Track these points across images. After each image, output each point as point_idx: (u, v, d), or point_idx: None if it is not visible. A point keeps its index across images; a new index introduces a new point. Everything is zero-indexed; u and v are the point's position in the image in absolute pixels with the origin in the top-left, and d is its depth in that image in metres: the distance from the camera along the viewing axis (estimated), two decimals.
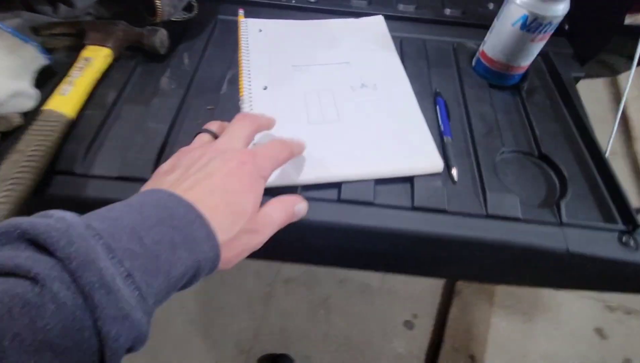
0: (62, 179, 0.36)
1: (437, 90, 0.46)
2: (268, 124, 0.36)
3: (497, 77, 0.46)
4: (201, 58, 0.47)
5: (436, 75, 0.48)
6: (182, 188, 0.25)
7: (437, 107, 0.44)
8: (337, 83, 0.45)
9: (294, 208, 0.32)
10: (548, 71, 0.50)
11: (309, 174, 0.37)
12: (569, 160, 0.41)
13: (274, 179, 0.35)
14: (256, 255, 0.30)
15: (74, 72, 0.40)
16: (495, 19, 0.44)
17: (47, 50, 0.42)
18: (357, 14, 0.55)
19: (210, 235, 0.24)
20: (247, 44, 0.48)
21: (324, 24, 0.53)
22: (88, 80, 0.40)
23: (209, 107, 0.42)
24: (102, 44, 0.43)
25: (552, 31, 0.41)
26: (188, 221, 0.23)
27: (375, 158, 0.38)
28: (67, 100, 0.38)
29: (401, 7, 0.56)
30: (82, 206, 0.37)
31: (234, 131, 0.32)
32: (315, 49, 0.49)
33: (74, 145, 0.38)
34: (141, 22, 0.46)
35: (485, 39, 0.47)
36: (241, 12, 0.53)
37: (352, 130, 0.41)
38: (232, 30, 0.51)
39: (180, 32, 0.50)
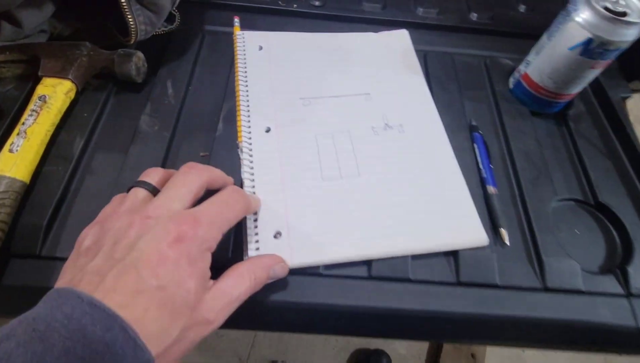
0: (20, 265, 0.29)
1: (473, 122, 0.39)
2: (223, 180, 0.29)
3: (541, 104, 0.40)
4: (188, 86, 0.39)
5: (469, 100, 0.41)
6: (104, 287, 0.20)
7: (475, 145, 0.37)
8: (356, 122, 0.37)
9: (268, 273, 0.26)
10: (593, 92, 0.44)
11: (328, 254, 0.30)
12: (628, 207, 0.35)
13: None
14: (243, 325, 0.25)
15: (26, 117, 0.32)
16: (545, 38, 0.37)
17: None
18: (370, 21, 0.46)
19: (138, 352, 0.19)
20: (245, 67, 0.39)
21: (336, 39, 0.44)
22: (45, 127, 0.32)
23: (202, 153, 0.35)
24: (61, 75, 0.34)
25: (615, 58, 0.34)
26: (108, 342, 0.18)
27: (408, 229, 0.31)
28: (19, 159, 0.30)
29: (421, 12, 0.48)
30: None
31: (174, 189, 0.25)
32: (327, 75, 0.41)
33: (33, 218, 0.30)
34: (111, 42, 0.37)
35: (529, 58, 0.39)
36: (236, 21, 0.44)
37: (377, 190, 0.33)
38: (224, 45, 0.42)
39: (160, 49, 0.41)
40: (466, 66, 0.44)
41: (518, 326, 0.30)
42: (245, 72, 0.39)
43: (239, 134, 0.34)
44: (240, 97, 0.37)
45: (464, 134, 0.38)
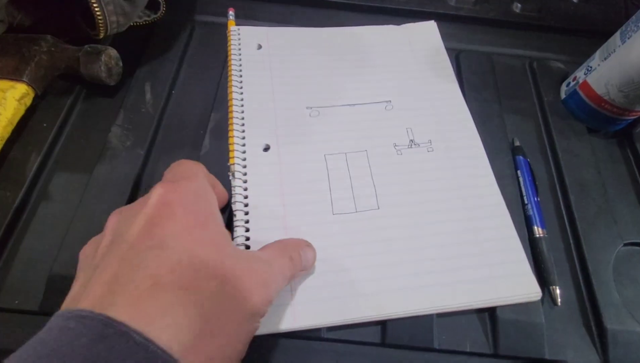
0: None
1: (517, 143, 0.32)
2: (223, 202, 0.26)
3: (602, 121, 0.32)
4: (171, 90, 0.32)
5: (510, 113, 0.34)
6: (90, 288, 0.16)
7: (519, 172, 0.30)
8: (374, 138, 0.30)
9: (300, 254, 0.22)
10: None
11: (337, 312, 0.23)
12: None
13: (279, 324, 0.23)
14: None
15: None
16: (618, 39, 0.29)
17: None
18: (392, 12, 0.39)
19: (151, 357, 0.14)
20: (240, 69, 0.32)
21: (351, 34, 0.36)
22: None
23: None
24: (14, 77, 0.28)
25: None
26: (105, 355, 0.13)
27: (437, 279, 0.25)
28: None
29: (453, 1, 0.40)
30: None
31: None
32: (339, 78, 0.33)
33: None
34: (78, 35, 0.31)
35: (592, 64, 0.32)
36: (231, 14, 0.36)
37: (400, 228, 0.27)
38: (217, 39, 0.35)
39: (140, 44, 0.34)
40: (508, 69, 0.36)
41: None
42: (241, 76, 0.32)
43: (230, 154, 0.28)
44: (234, 107, 0.30)
45: (504, 157, 0.31)
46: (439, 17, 0.39)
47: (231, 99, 0.30)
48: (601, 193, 0.30)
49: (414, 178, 0.29)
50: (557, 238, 0.28)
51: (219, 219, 0.20)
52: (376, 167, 0.29)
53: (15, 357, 0.14)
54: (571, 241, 0.28)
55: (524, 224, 0.28)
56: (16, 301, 0.24)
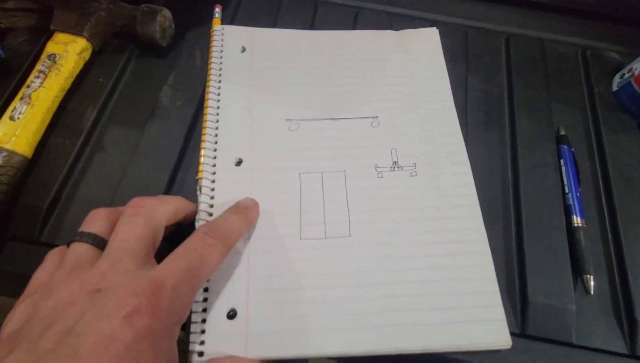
0: (16, 250, 0.25)
1: (562, 132, 0.31)
2: (189, 207, 0.23)
3: None
4: None
5: (558, 102, 0.33)
6: None
7: (562, 161, 0.30)
8: (355, 157, 0.28)
9: None
10: None
11: (297, 346, 0.22)
12: None
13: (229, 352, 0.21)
14: None
15: (32, 79, 0.27)
16: None
17: None
18: None
19: None
20: (220, 74, 0.30)
21: (343, 38, 0.34)
22: (53, 93, 0.27)
23: None
24: (75, 32, 0.29)
25: None
26: None
27: (404, 320, 0.23)
28: (21, 129, 0.26)
29: None
30: None
31: (122, 242, 0.19)
32: (326, 89, 0.31)
33: (33, 198, 0.26)
34: None
35: None
36: (217, 11, 0.34)
37: (370, 260, 0.25)
38: (264, 6, 0.35)
39: (191, 7, 0.35)
40: (559, 57, 0.35)
41: None
42: (219, 81, 0.30)
43: (199, 168, 0.26)
44: (208, 116, 0.28)
45: (548, 146, 0.30)
46: (487, 0, 0.38)
47: (206, 107, 0.29)
48: None
49: (393, 205, 0.26)
50: (595, 230, 0.28)
51: (173, 351, 0.18)
52: (353, 190, 0.27)
53: None
54: (609, 234, 0.28)
55: (562, 214, 0.28)
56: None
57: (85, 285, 0.17)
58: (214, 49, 0.31)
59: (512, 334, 0.25)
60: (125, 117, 0.30)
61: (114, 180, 0.27)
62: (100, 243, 0.20)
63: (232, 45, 0.32)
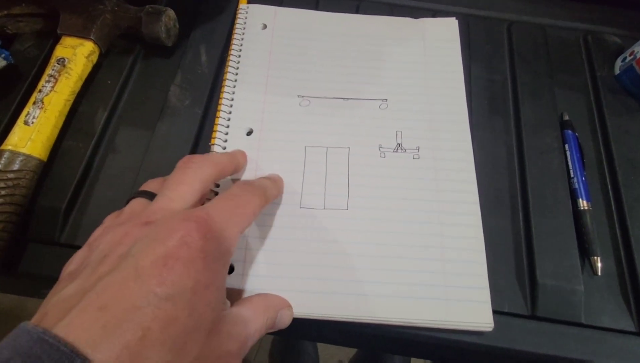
0: (36, 251, 0.26)
1: (566, 117, 0.32)
2: (235, 166, 0.24)
3: None
4: (224, 52, 0.33)
5: (561, 87, 0.33)
6: (75, 312, 0.15)
7: (566, 146, 0.30)
8: (360, 136, 0.29)
9: (277, 314, 0.22)
10: None
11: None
12: None
13: None
14: None
15: (43, 84, 0.28)
16: None
17: (4, 40, 0.29)
18: None
19: None
20: (240, 50, 0.32)
21: (363, 22, 0.35)
22: (64, 96, 0.28)
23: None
24: (82, 35, 0.30)
25: None
26: None
27: (393, 292, 0.24)
28: (36, 133, 0.26)
29: None
30: None
31: (172, 188, 0.21)
32: (339, 69, 0.32)
33: (51, 200, 0.27)
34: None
35: None
36: None
37: (365, 235, 0.26)
38: (268, 3, 0.36)
39: (193, 7, 0.35)
40: (561, 42, 0.35)
41: None
42: (239, 56, 0.31)
43: (212, 135, 0.28)
44: (225, 89, 0.30)
45: (552, 131, 0.31)
46: None
47: (225, 80, 0.30)
48: None
49: (392, 184, 0.27)
50: (601, 212, 0.29)
51: (224, 279, 0.19)
52: (355, 166, 0.28)
53: None
54: (615, 216, 0.29)
55: (569, 197, 0.28)
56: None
57: (138, 220, 0.19)
58: (237, 25, 0.33)
59: (522, 316, 0.26)
60: (135, 117, 0.30)
61: (128, 179, 0.28)
62: (154, 197, 0.21)
63: (254, 22, 0.34)
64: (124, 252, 0.17)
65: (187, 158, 0.22)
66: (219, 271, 0.18)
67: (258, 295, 0.23)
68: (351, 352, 0.93)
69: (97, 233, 0.20)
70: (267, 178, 0.26)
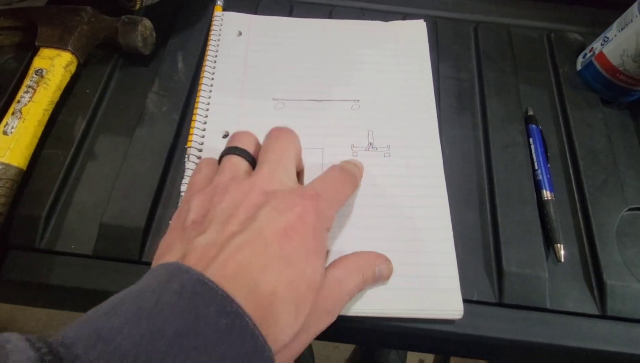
0: (16, 258, 0.27)
1: (530, 112, 0.33)
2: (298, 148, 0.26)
3: (617, 92, 0.33)
4: (200, 59, 0.34)
5: (526, 84, 0.35)
6: (218, 263, 0.17)
7: (530, 140, 0.31)
8: (333, 136, 0.30)
9: (374, 271, 0.24)
10: None
11: None
12: None
13: None
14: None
15: (21, 95, 0.29)
16: (636, 10, 0.30)
17: None
18: None
19: (258, 346, 0.16)
20: (216, 56, 0.33)
21: (335, 26, 0.36)
22: (42, 106, 0.29)
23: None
24: (60, 46, 0.30)
25: None
26: (224, 329, 0.15)
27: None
28: (14, 143, 0.27)
29: None
30: (46, 294, 0.28)
31: (277, 160, 0.23)
32: (313, 72, 0.33)
33: (31, 208, 0.27)
34: (115, 6, 0.33)
35: (608, 35, 0.32)
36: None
37: (338, 231, 0.27)
38: (243, 10, 0.37)
39: (171, 14, 0.36)
40: (525, 41, 0.37)
41: (568, 357, 0.26)
42: (215, 62, 0.33)
43: (189, 138, 0.29)
44: (202, 93, 0.31)
45: (517, 126, 0.32)
46: None
47: (201, 85, 0.32)
48: (610, 160, 0.31)
49: (364, 181, 0.28)
50: (565, 202, 0.30)
51: (325, 250, 0.22)
52: (329, 166, 0.28)
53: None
54: (578, 205, 0.30)
55: (533, 189, 0.30)
56: (72, 246, 0.27)
57: (254, 186, 0.21)
58: (212, 32, 0.34)
59: (490, 304, 0.27)
60: (114, 125, 0.31)
61: (107, 185, 0.28)
62: (252, 159, 0.24)
63: (230, 29, 0.35)
64: (249, 216, 0.19)
65: (278, 128, 0.24)
66: (323, 243, 0.21)
67: (352, 254, 0.24)
68: (346, 353, 0.94)
69: (199, 183, 0.23)
70: (354, 164, 0.27)
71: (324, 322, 0.21)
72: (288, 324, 0.18)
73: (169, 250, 0.20)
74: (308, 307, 0.19)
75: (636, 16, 0.29)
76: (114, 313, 0.15)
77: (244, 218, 0.19)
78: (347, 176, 0.25)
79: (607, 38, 0.32)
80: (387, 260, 0.24)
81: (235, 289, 0.16)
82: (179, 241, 0.20)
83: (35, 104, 0.28)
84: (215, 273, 0.17)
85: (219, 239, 0.18)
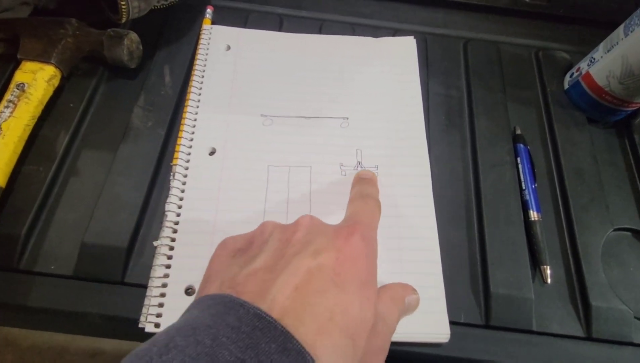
0: None
1: (518, 131, 0.33)
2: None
3: (602, 112, 0.33)
4: (188, 73, 0.34)
5: (514, 102, 0.35)
6: (271, 294, 0.16)
7: (518, 160, 0.32)
8: (322, 154, 0.30)
9: (405, 301, 0.23)
10: None
11: None
12: None
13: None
14: None
15: (1, 109, 0.28)
16: (621, 32, 0.30)
17: None
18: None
19: None
20: (204, 70, 0.33)
21: (324, 42, 0.36)
22: (23, 121, 0.28)
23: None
24: (43, 59, 0.30)
25: None
26: None
27: None
28: None
29: None
30: (25, 317, 0.27)
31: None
32: (302, 88, 0.33)
33: (9, 226, 0.26)
34: (102, 19, 0.32)
35: (595, 55, 0.32)
36: (209, 12, 0.36)
37: None
38: (231, 24, 0.36)
39: (158, 27, 0.36)
40: (514, 59, 0.37)
41: None
42: (202, 76, 0.32)
43: (175, 155, 0.29)
44: (188, 109, 0.30)
45: (505, 144, 0.32)
46: (449, 5, 0.39)
47: (188, 100, 0.31)
48: (596, 180, 0.31)
49: None
50: (551, 222, 0.30)
51: (376, 277, 0.21)
52: (317, 185, 0.29)
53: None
54: (564, 225, 0.30)
55: (520, 209, 0.30)
56: (52, 267, 0.26)
57: (305, 222, 0.21)
58: (200, 46, 0.34)
59: (477, 326, 0.27)
60: (98, 140, 0.31)
61: (89, 203, 0.28)
62: None
63: (218, 43, 0.34)
64: (303, 240, 0.19)
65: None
66: (374, 268, 0.20)
67: (382, 287, 0.22)
68: None
69: (264, 224, 0.22)
70: (369, 183, 0.26)
71: (380, 360, 0.19)
72: (339, 357, 0.16)
73: (210, 278, 0.19)
74: (363, 342, 0.17)
75: (622, 39, 0.30)
76: (168, 349, 0.14)
77: (298, 243, 0.19)
78: (373, 200, 0.24)
79: (594, 59, 0.32)
80: (414, 291, 0.23)
81: (292, 324, 0.15)
82: (222, 268, 0.19)
83: (16, 119, 0.28)
84: (271, 307, 0.16)
85: (270, 263, 0.18)
